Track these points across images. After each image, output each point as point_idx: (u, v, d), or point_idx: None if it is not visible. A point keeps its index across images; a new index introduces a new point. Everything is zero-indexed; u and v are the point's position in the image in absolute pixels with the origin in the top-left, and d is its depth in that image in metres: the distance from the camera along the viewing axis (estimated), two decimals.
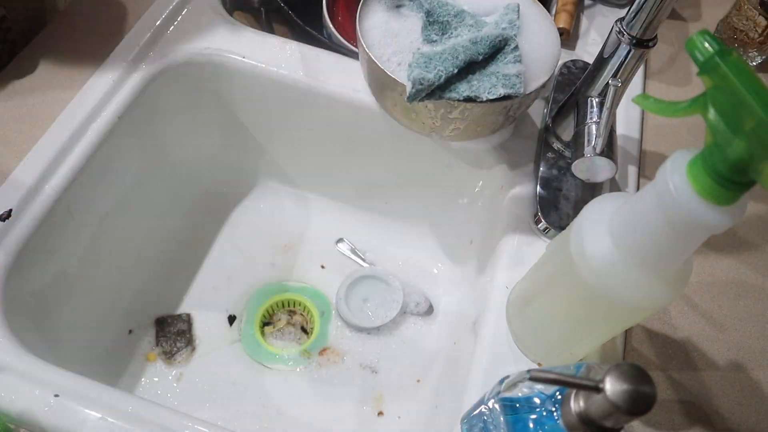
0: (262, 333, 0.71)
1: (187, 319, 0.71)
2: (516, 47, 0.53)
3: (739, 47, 0.72)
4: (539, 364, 0.50)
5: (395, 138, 0.68)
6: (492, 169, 0.64)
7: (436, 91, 0.51)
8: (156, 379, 0.67)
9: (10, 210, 0.53)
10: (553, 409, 0.34)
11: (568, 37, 0.71)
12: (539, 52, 0.56)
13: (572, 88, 0.58)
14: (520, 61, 0.53)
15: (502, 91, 0.52)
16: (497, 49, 0.53)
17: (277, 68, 0.66)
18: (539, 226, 0.57)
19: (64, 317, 0.59)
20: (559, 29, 0.58)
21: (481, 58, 0.52)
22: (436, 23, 0.55)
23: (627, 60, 0.51)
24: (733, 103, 0.27)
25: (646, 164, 0.63)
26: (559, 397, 0.35)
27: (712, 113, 0.29)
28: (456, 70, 0.51)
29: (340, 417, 0.67)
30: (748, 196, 0.31)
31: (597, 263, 0.37)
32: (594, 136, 0.52)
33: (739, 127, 0.28)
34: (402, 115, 0.57)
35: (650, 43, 0.50)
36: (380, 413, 0.67)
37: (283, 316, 0.74)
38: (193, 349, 0.69)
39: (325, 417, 0.67)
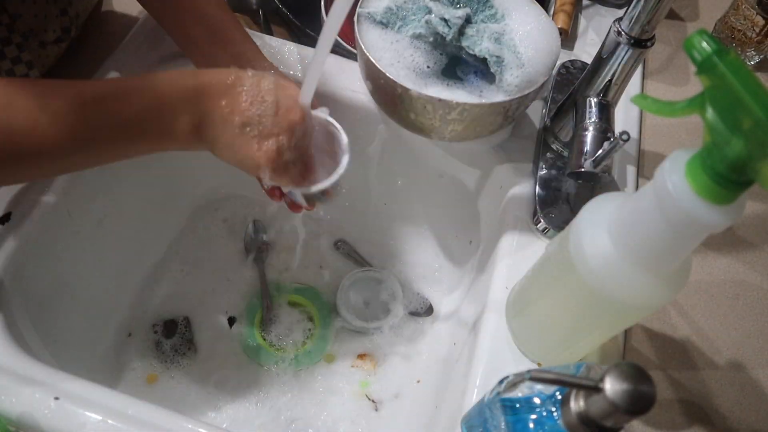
0: (262, 334, 0.71)
1: (187, 322, 0.70)
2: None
3: (737, 47, 0.72)
4: (539, 364, 0.50)
5: (394, 139, 0.68)
6: (491, 170, 0.64)
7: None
8: (157, 381, 0.67)
9: (9, 213, 0.53)
10: (553, 409, 0.34)
11: (567, 37, 0.71)
12: (538, 52, 0.56)
13: (571, 88, 0.58)
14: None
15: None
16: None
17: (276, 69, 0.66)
18: (538, 226, 0.57)
19: (64, 320, 0.59)
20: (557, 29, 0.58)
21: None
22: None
23: (625, 60, 0.51)
24: (731, 102, 0.27)
25: (645, 164, 0.63)
26: (559, 397, 0.35)
27: (710, 113, 0.29)
28: None
29: (340, 417, 0.67)
30: (747, 195, 0.31)
31: (596, 263, 0.37)
32: (589, 147, 0.51)
33: (737, 127, 0.28)
34: (401, 116, 0.57)
35: (648, 43, 0.50)
36: (380, 413, 0.67)
37: (283, 317, 0.74)
38: (194, 351, 0.69)
39: (325, 417, 0.67)
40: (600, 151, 0.50)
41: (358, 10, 0.56)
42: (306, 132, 0.47)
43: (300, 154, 0.48)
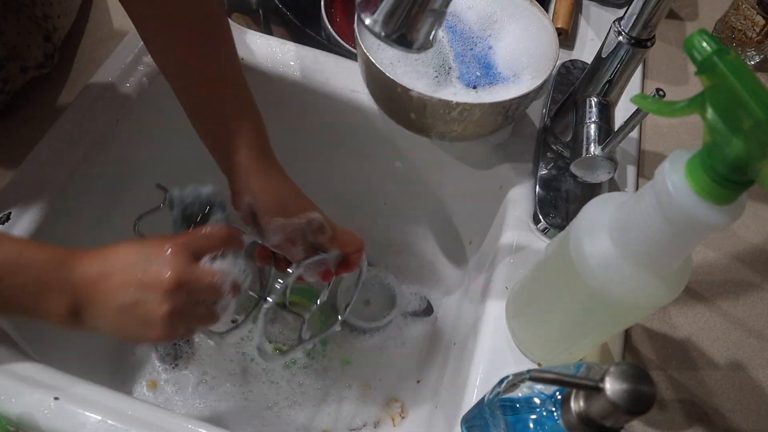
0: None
1: None
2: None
3: (737, 46, 0.72)
4: (539, 364, 0.49)
5: (394, 139, 0.68)
6: (491, 170, 0.64)
7: None
8: (157, 384, 0.67)
9: (9, 212, 0.53)
10: (553, 409, 0.34)
11: (567, 37, 0.71)
12: (537, 52, 0.56)
13: (571, 88, 0.58)
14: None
15: None
16: None
17: (276, 69, 0.66)
18: (538, 226, 0.57)
19: None
20: (557, 29, 0.58)
21: None
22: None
23: (625, 60, 0.51)
24: (731, 102, 0.27)
25: (645, 164, 0.63)
26: (559, 397, 0.35)
27: (710, 113, 0.29)
28: None
29: (340, 417, 0.67)
30: (747, 195, 0.31)
31: (596, 263, 0.37)
32: (594, 136, 0.52)
33: (738, 127, 0.28)
34: (401, 116, 0.57)
35: (648, 43, 0.50)
36: (381, 413, 0.67)
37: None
38: (194, 351, 0.69)
39: (325, 417, 0.67)
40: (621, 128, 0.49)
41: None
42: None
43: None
